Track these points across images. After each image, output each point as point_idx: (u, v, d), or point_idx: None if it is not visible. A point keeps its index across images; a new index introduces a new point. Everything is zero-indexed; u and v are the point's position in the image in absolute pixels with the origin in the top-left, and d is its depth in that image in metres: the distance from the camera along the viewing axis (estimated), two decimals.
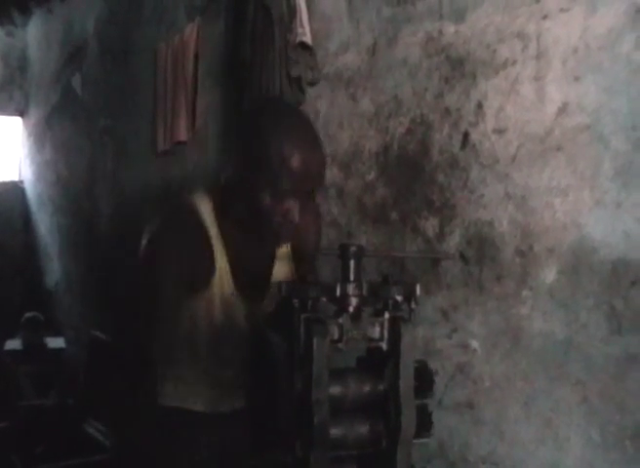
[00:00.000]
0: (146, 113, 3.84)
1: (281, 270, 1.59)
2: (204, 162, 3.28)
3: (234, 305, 1.53)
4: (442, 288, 2.02)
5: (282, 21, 2.51)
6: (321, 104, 2.51)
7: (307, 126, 1.45)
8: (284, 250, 1.58)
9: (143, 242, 1.48)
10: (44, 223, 5.96)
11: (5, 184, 6.31)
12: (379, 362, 1.08)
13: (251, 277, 1.53)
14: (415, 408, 1.05)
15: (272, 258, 1.56)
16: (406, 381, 1.05)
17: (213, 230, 1.48)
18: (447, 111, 2.00)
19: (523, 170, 1.78)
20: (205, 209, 1.49)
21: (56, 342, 4.99)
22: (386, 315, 1.07)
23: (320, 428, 0.99)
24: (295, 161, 1.33)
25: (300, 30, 2.47)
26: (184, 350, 1.62)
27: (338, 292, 1.05)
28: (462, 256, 1.95)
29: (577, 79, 1.65)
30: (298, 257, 1.61)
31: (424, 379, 1.09)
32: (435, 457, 2.02)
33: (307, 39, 2.47)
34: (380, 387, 1.07)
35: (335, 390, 1.04)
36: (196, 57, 3.27)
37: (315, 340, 0.99)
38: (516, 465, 1.83)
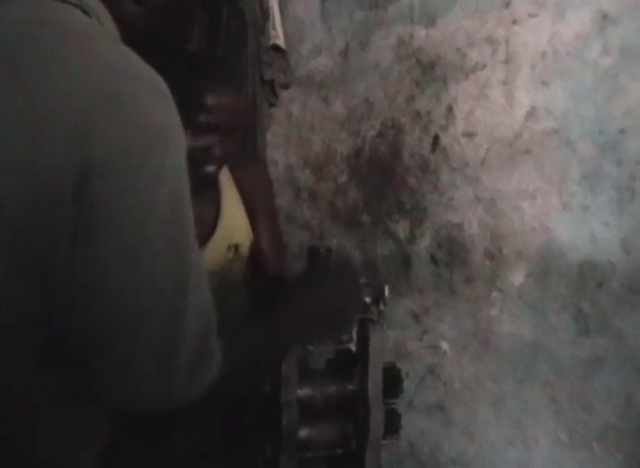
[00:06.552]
0: None
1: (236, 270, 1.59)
2: None
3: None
4: (413, 290, 2.03)
5: (255, 25, 2.50)
6: (293, 107, 2.51)
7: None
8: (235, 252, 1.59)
9: None
10: None
11: None
12: (348, 364, 1.09)
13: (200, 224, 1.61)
14: (383, 409, 1.06)
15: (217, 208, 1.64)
16: (374, 383, 1.05)
17: None
18: (418, 114, 2.01)
19: (492, 173, 1.80)
20: None
21: None
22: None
23: (289, 429, 0.99)
24: (207, 97, 1.52)
25: (273, 33, 2.46)
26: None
27: None
28: (433, 259, 1.96)
29: (545, 84, 1.68)
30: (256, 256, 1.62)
31: (393, 381, 1.10)
32: (406, 458, 2.03)
33: (280, 42, 2.46)
34: (349, 389, 1.08)
35: (304, 392, 1.04)
36: None
37: None
38: (486, 466, 1.84)
